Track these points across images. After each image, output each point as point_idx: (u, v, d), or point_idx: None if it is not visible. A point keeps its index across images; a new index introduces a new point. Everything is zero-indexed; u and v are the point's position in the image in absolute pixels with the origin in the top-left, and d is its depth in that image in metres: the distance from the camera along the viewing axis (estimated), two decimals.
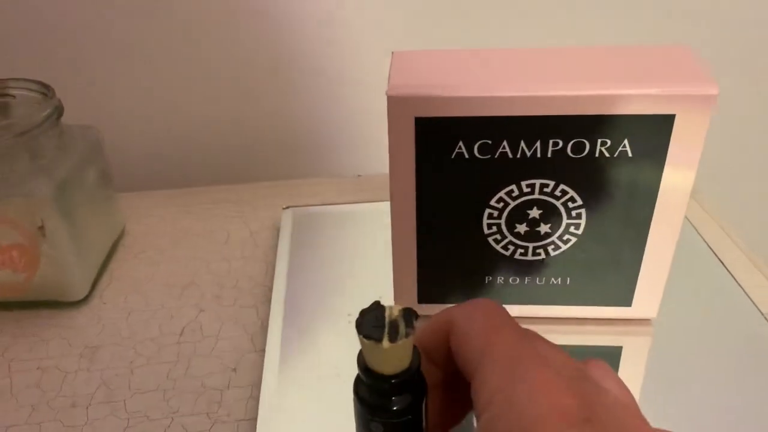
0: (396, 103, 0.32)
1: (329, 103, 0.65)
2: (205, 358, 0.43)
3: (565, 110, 0.32)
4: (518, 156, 0.33)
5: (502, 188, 0.34)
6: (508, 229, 0.36)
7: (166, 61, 0.61)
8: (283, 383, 0.39)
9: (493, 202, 0.35)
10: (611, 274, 0.38)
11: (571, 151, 0.33)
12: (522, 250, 0.37)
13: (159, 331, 0.45)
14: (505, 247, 0.37)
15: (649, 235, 0.36)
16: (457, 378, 0.27)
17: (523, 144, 0.33)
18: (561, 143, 0.32)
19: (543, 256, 0.37)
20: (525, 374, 0.22)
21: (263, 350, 0.42)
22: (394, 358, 0.29)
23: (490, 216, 0.35)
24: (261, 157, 0.67)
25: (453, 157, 0.33)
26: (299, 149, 0.67)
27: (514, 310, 0.38)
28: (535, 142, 0.32)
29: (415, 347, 0.30)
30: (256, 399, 0.39)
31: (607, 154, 0.33)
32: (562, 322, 0.41)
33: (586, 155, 0.33)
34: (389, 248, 0.41)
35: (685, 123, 0.32)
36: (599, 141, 0.32)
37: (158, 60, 0.61)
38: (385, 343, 0.28)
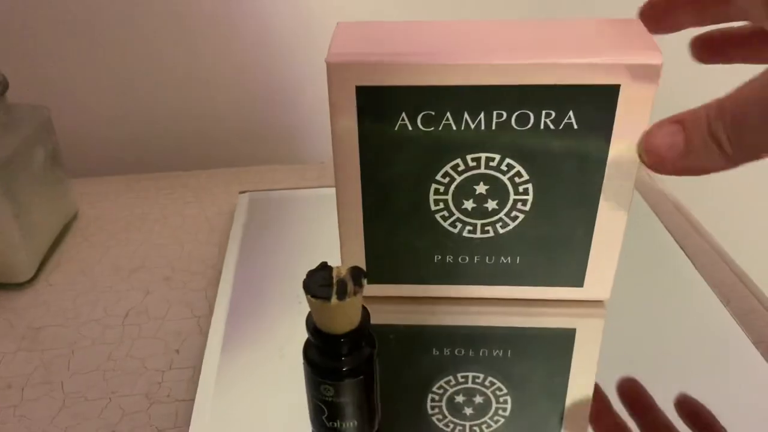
0: (336, 71, 0.31)
1: (294, 89, 0.64)
2: (149, 340, 0.42)
3: (507, 80, 0.31)
4: (462, 128, 0.32)
5: (447, 162, 0.34)
6: (455, 206, 0.35)
7: (124, 44, 0.60)
8: (224, 364, 0.38)
9: (439, 177, 0.34)
10: (562, 253, 0.37)
11: (516, 124, 0.32)
12: (470, 227, 0.36)
13: (104, 313, 0.44)
14: (453, 225, 0.36)
15: (599, 210, 0.35)
16: None
17: (466, 116, 0.32)
18: (505, 115, 0.32)
19: (491, 233, 0.36)
20: None
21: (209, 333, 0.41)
22: (343, 316, 0.28)
23: (437, 192, 0.35)
24: (222, 144, 0.66)
25: (396, 129, 0.33)
26: (262, 137, 0.66)
27: (464, 290, 0.38)
28: (479, 114, 0.32)
29: (364, 306, 0.30)
30: (197, 380, 0.38)
31: (552, 126, 0.32)
32: (514, 303, 0.40)
33: (530, 127, 0.32)
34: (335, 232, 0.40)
35: (630, 94, 0.31)
36: (543, 113, 0.32)
37: (116, 43, 0.60)
38: (333, 301, 0.27)
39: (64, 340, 0.42)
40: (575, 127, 0.32)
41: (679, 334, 0.40)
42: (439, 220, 0.36)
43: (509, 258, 0.37)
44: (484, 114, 0.32)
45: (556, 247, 0.37)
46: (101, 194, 0.57)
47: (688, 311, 0.42)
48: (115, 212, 0.55)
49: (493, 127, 0.32)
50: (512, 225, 0.36)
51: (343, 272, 0.28)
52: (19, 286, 0.46)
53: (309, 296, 0.28)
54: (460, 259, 0.37)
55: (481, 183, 0.34)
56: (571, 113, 0.32)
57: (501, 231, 0.36)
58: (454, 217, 0.36)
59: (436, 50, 0.32)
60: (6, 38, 0.58)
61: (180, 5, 0.59)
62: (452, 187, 0.35)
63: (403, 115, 0.32)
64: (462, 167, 0.34)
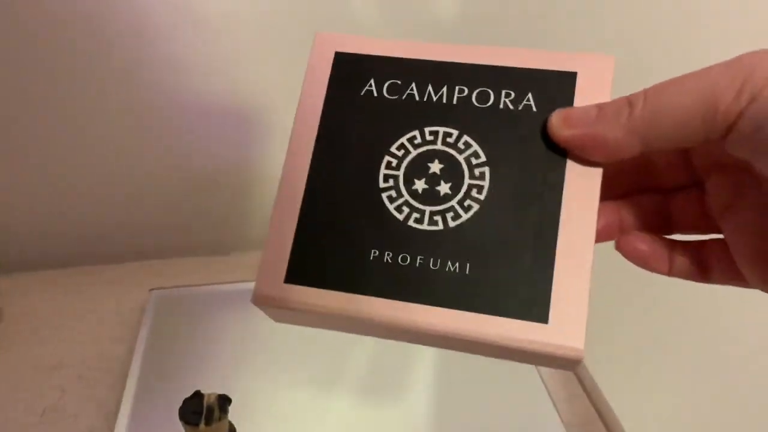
0: (321, 39, 0.35)
1: (210, 180, 0.71)
2: None
3: (470, 59, 0.33)
4: (425, 99, 0.33)
5: (405, 133, 0.33)
6: (405, 185, 0.32)
7: (40, 142, 0.66)
8: None
9: (393, 149, 0.33)
10: (519, 265, 0.31)
11: (476, 100, 0.32)
12: (417, 215, 0.32)
13: (23, 412, 0.50)
14: (399, 209, 0.32)
15: (562, 210, 0.31)
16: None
17: (430, 88, 0.33)
18: (467, 90, 0.33)
19: (440, 225, 0.32)
20: None
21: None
22: None
23: (389, 165, 0.32)
24: (135, 235, 0.72)
25: (362, 94, 0.33)
26: (169, 228, 0.72)
27: (403, 311, 0.31)
28: (442, 88, 0.33)
29: (230, 423, 0.37)
30: None
31: (511, 107, 0.32)
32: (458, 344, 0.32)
33: (490, 105, 0.32)
34: (250, 330, 0.45)
35: (587, 82, 0.31)
36: (503, 92, 0.32)
37: (32, 141, 0.66)
38: (202, 427, 0.35)
39: None
40: (534, 110, 0.32)
41: None
42: (386, 200, 0.32)
43: (457, 264, 0.31)
44: (447, 88, 0.33)
45: (512, 255, 0.31)
46: (19, 292, 0.63)
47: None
48: (33, 310, 0.61)
49: (455, 102, 0.33)
50: (464, 217, 0.32)
51: (212, 399, 0.36)
52: None
53: (183, 422, 0.35)
54: (400, 259, 0.31)
55: (436, 161, 0.32)
56: (530, 95, 0.32)
57: (451, 224, 0.32)
58: (402, 200, 0.32)
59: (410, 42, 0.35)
60: None
61: (99, 100, 0.65)
62: (405, 161, 0.32)
63: (372, 81, 0.33)
64: (419, 140, 0.33)
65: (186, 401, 0.36)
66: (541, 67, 0.32)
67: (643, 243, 0.31)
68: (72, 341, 0.57)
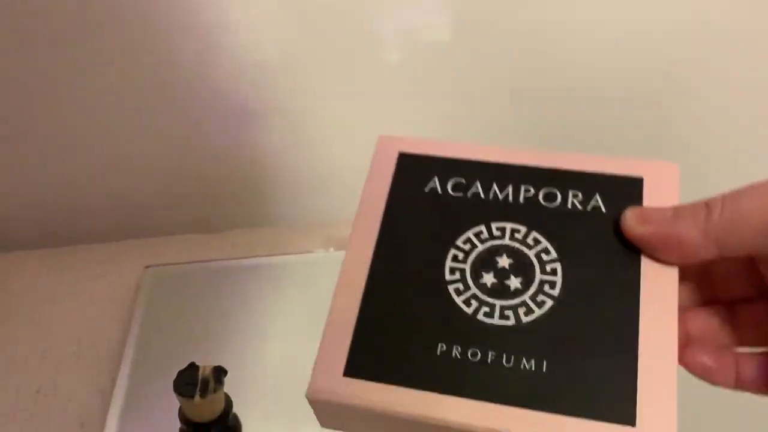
0: (386, 141, 0.35)
1: (205, 160, 0.70)
2: (57, 416, 0.47)
3: (534, 161, 0.33)
4: (490, 197, 0.33)
5: (470, 227, 0.32)
6: (473, 278, 0.31)
7: (30, 119, 0.65)
8: None
9: (459, 243, 0.32)
10: (600, 364, 0.29)
11: (543, 200, 0.32)
12: (487, 309, 0.30)
13: (17, 391, 0.49)
14: (467, 302, 0.31)
15: (641, 305, 0.30)
16: None
17: (495, 187, 0.33)
18: (533, 190, 0.33)
19: (512, 321, 0.30)
20: None
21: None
22: (206, 409, 0.35)
23: (455, 258, 0.31)
24: (125, 214, 0.71)
25: (426, 191, 0.33)
26: (163, 205, 0.71)
27: (474, 410, 0.29)
28: (507, 187, 0.33)
29: (227, 395, 0.36)
30: None
31: (579, 207, 0.32)
32: None
33: (558, 205, 0.32)
34: (248, 308, 0.47)
35: (654, 187, 0.32)
36: (570, 192, 0.32)
37: (22, 118, 0.65)
38: (197, 398, 0.34)
39: None
40: (603, 210, 0.31)
41: None
42: (452, 293, 0.31)
43: (533, 362, 0.29)
44: (512, 187, 0.33)
45: (593, 352, 0.29)
46: (12, 271, 0.62)
47: None
48: (26, 289, 0.60)
49: (521, 200, 0.32)
50: (538, 312, 0.30)
51: (207, 372, 0.35)
52: None
53: (177, 394, 0.34)
54: (470, 354, 0.29)
55: (505, 255, 0.31)
56: (597, 196, 0.32)
57: (524, 319, 0.30)
58: (469, 293, 0.31)
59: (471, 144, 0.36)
60: None
61: (93, 77, 0.64)
62: (472, 255, 0.32)
63: (435, 179, 0.33)
64: (485, 235, 0.32)
65: (180, 373, 0.35)
66: (606, 171, 0.32)
67: (707, 356, 0.30)
68: (66, 320, 0.56)
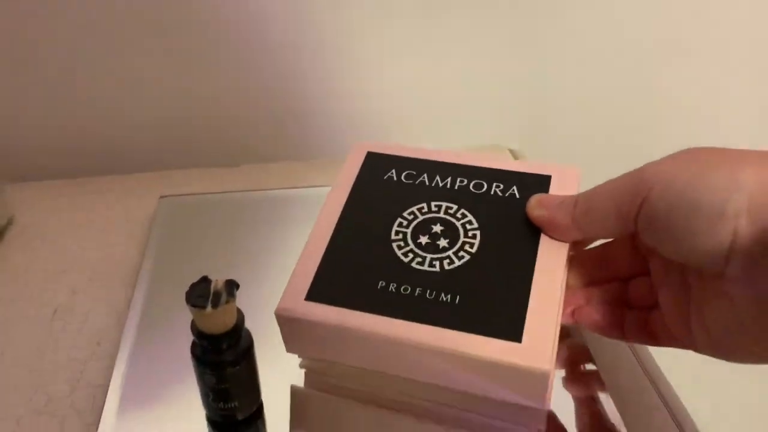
0: (359, 144, 0.46)
1: (214, 97, 0.70)
2: (74, 335, 0.48)
3: (471, 162, 0.44)
4: (433, 185, 0.43)
5: (415, 204, 0.42)
6: (412, 238, 0.40)
7: (49, 52, 0.65)
8: (136, 354, 0.45)
9: (405, 214, 0.41)
10: (500, 301, 0.37)
11: (473, 188, 0.42)
12: (420, 260, 0.39)
13: (34, 311, 0.50)
14: (405, 254, 0.39)
15: (537, 262, 0.38)
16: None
17: (438, 178, 0.43)
18: (466, 181, 0.43)
19: (437, 268, 0.38)
20: None
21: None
22: (218, 321, 0.36)
23: (400, 224, 0.41)
24: (143, 147, 0.71)
25: (385, 178, 0.44)
26: (179, 139, 0.72)
27: (400, 328, 0.36)
28: (447, 178, 0.43)
29: (239, 310, 0.37)
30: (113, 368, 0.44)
31: (500, 194, 0.42)
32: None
33: (483, 192, 0.42)
34: (259, 238, 0.51)
35: (559, 183, 0.41)
36: (494, 184, 0.42)
37: (42, 51, 0.65)
38: (209, 309, 0.34)
39: None
40: (517, 197, 0.41)
41: None
42: (395, 248, 0.39)
43: (449, 296, 0.37)
44: (450, 179, 0.43)
45: (495, 291, 0.37)
46: (33, 199, 0.63)
47: None
48: (45, 218, 0.61)
49: (456, 188, 0.42)
50: (457, 263, 0.38)
51: (219, 284, 0.35)
52: None
53: (189, 305, 0.35)
54: (402, 290, 0.38)
55: (438, 224, 0.41)
56: (515, 187, 0.42)
57: (447, 267, 0.38)
58: (408, 248, 0.39)
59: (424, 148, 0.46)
60: None
61: (102, 13, 0.64)
62: (414, 223, 0.41)
63: (393, 170, 0.44)
64: (425, 210, 0.42)
65: (193, 285, 0.36)
66: (524, 170, 0.42)
67: (597, 314, 0.38)
68: (82, 246, 0.57)
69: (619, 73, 0.73)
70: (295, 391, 0.42)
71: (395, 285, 0.38)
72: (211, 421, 0.40)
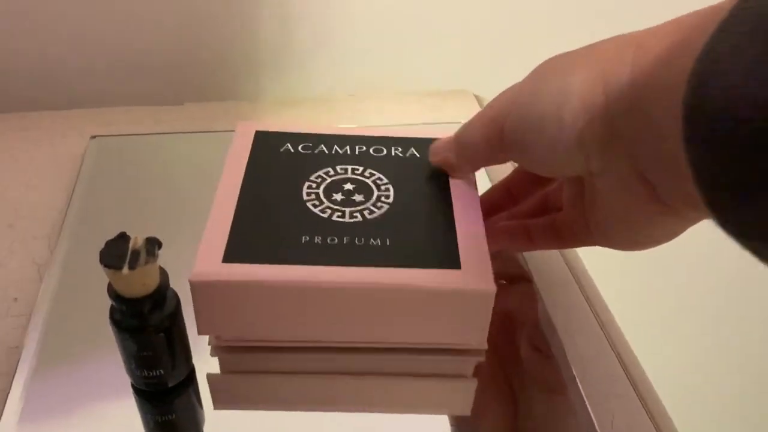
0: (244, 125, 0.44)
1: (161, 25, 0.64)
2: None
3: (365, 133, 0.44)
4: (332, 152, 0.42)
5: (320, 169, 0.41)
6: (326, 197, 0.39)
7: None
8: (57, 313, 0.41)
9: (312, 178, 0.40)
10: (430, 235, 0.37)
11: (373, 152, 0.43)
12: (339, 213, 0.38)
13: None
14: (322, 211, 0.38)
15: (453, 200, 0.39)
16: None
17: (336, 146, 0.43)
18: (365, 148, 0.43)
19: (360, 218, 0.37)
20: None
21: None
22: (137, 283, 0.31)
23: (309, 187, 0.39)
24: (75, 83, 0.65)
25: (281, 151, 0.42)
26: (116, 75, 0.66)
27: (334, 273, 0.34)
28: (345, 146, 0.43)
29: (162, 270, 0.32)
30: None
31: (400, 155, 0.43)
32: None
33: (384, 155, 0.43)
34: (198, 184, 0.47)
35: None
36: (393, 147, 0.43)
37: None
38: (125, 270, 0.30)
39: None
40: (418, 156, 0.43)
41: None
42: (310, 206, 0.38)
43: (379, 240, 0.36)
44: (349, 146, 0.43)
45: (423, 229, 0.38)
46: None
47: None
48: None
49: (357, 153, 0.42)
50: (378, 213, 0.38)
51: (139, 242, 0.31)
52: None
53: (103, 266, 0.30)
54: (329, 240, 0.36)
55: (349, 183, 0.40)
56: (413, 149, 0.43)
57: (369, 216, 0.38)
58: (324, 205, 0.38)
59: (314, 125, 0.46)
60: None
61: None
62: (323, 184, 0.40)
63: (288, 144, 0.43)
64: (332, 173, 0.41)
65: (109, 243, 0.31)
66: (418, 136, 0.44)
67: (506, 231, 0.41)
68: (3, 188, 0.52)
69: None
70: (212, 379, 0.37)
71: (320, 237, 0.36)
72: (137, 390, 0.37)
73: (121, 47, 0.64)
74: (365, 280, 0.34)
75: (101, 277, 0.35)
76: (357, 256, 0.35)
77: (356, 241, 0.36)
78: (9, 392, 0.36)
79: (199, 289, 0.33)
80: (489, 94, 0.66)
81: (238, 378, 0.38)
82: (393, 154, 0.42)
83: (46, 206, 0.50)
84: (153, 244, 0.31)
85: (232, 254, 0.34)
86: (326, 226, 0.37)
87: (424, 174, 0.41)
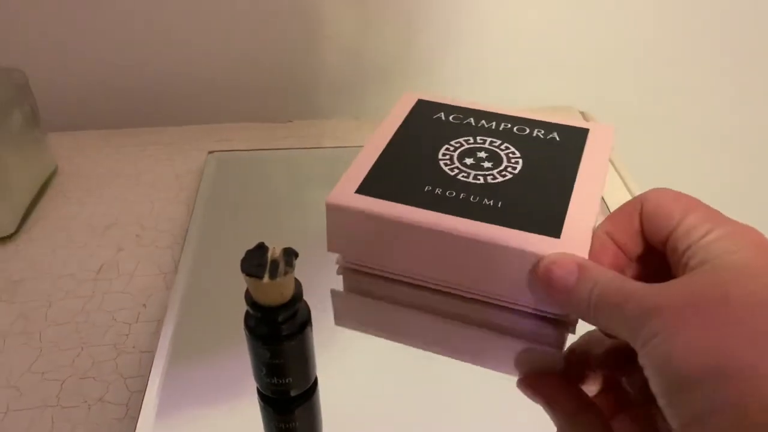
0: (409, 94, 0.50)
1: (268, 51, 0.67)
2: (119, 294, 0.46)
3: (515, 113, 0.48)
4: (478, 125, 0.46)
5: (461, 137, 0.45)
6: (458, 159, 0.43)
7: (98, 1, 0.62)
8: (185, 319, 0.42)
9: (452, 143, 0.45)
10: (540, 207, 0.39)
11: (516, 130, 0.46)
12: (465, 174, 0.42)
13: (78, 268, 0.48)
14: (451, 170, 0.42)
15: (576, 183, 0.41)
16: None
17: (483, 121, 0.47)
18: (510, 125, 0.46)
19: (482, 181, 0.41)
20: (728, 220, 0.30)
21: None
22: (275, 292, 0.33)
23: (447, 149, 0.44)
24: (193, 99, 0.68)
25: (434, 118, 0.47)
26: (231, 92, 0.69)
27: (444, 220, 0.38)
28: (492, 122, 0.47)
29: (297, 280, 0.34)
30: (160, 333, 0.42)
31: (541, 137, 0.45)
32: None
33: (527, 134, 0.46)
34: (309, 195, 0.50)
35: (595, 136, 0.46)
36: (536, 129, 0.46)
37: (87, 3, 0.62)
38: (265, 279, 0.31)
39: (41, 292, 0.46)
40: (558, 139, 0.45)
41: None
42: (442, 165, 0.43)
43: (492, 201, 0.40)
44: (495, 123, 0.47)
45: (536, 199, 0.40)
46: (78, 149, 0.61)
47: None
48: (92, 168, 0.58)
49: (501, 129, 0.46)
50: (500, 180, 0.42)
51: (277, 253, 0.32)
52: (1, 240, 0.50)
53: (244, 274, 0.31)
54: (447, 193, 0.40)
55: (483, 152, 0.44)
56: (555, 133, 0.46)
57: (490, 181, 0.41)
58: (453, 165, 0.43)
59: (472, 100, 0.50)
60: None
61: None
62: (459, 150, 0.44)
63: (441, 113, 0.48)
64: (471, 141, 0.45)
65: (249, 253, 0.32)
66: (564, 123, 0.46)
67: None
68: (128, 201, 0.55)
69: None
70: (335, 294, 0.43)
71: (441, 189, 0.40)
72: (263, 396, 0.38)
73: (237, 67, 0.67)
74: (469, 231, 0.37)
75: (224, 285, 0.37)
76: (468, 211, 0.39)
77: (471, 199, 0.40)
78: (145, 393, 0.38)
79: (331, 210, 0.40)
80: (595, 111, 0.66)
81: (357, 299, 0.43)
82: (534, 134, 0.45)
83: (168, 218, 0.53)
84: (290, 255, 0.32)
85: (364, 188, 0.40)
86: (449, 181, 0.41)
87: (556, 155, 0.44)
